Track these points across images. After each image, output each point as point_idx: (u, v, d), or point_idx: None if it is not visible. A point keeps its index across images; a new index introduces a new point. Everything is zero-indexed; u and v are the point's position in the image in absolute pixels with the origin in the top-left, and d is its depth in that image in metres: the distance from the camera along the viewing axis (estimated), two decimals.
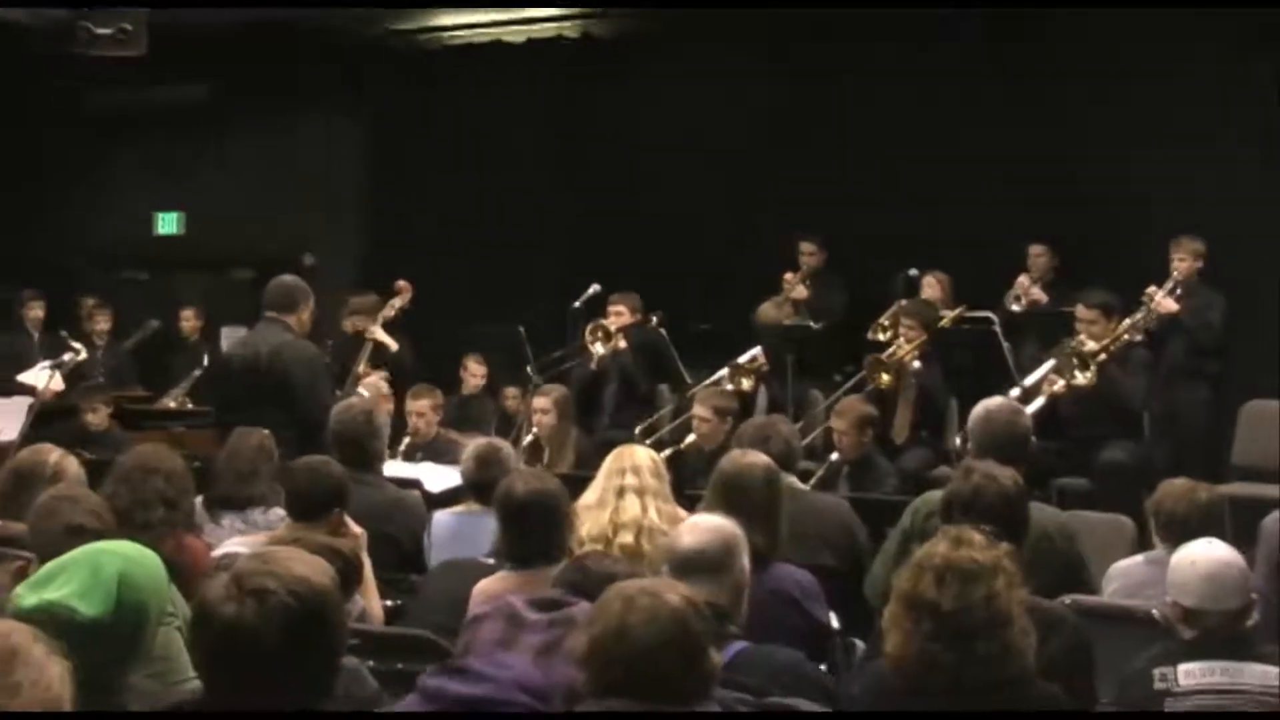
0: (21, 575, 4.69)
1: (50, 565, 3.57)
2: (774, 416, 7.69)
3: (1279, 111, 10.00)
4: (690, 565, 4.26)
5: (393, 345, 11.05)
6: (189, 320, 13.68)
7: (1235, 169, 10.47)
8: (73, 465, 5.93)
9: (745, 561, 4.43)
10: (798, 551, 5.62)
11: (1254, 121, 10.28)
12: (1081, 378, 8.85)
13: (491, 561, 5.68)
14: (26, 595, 3.45)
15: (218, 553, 5.61)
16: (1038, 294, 10.51)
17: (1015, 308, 10.53)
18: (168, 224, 15.09)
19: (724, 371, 10.19)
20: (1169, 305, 9.41)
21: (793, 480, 6.43)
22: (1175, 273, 9.57)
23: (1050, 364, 9.02)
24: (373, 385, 9.68)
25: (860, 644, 5.48)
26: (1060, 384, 8.87)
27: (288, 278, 8.35)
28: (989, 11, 10.82)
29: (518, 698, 3.66)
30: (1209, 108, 10.56)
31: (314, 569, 2.90)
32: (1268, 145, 10.18)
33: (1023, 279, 10.59)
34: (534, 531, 5.19)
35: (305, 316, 8.09)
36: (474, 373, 11.35)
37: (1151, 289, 9.41)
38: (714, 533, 4.38)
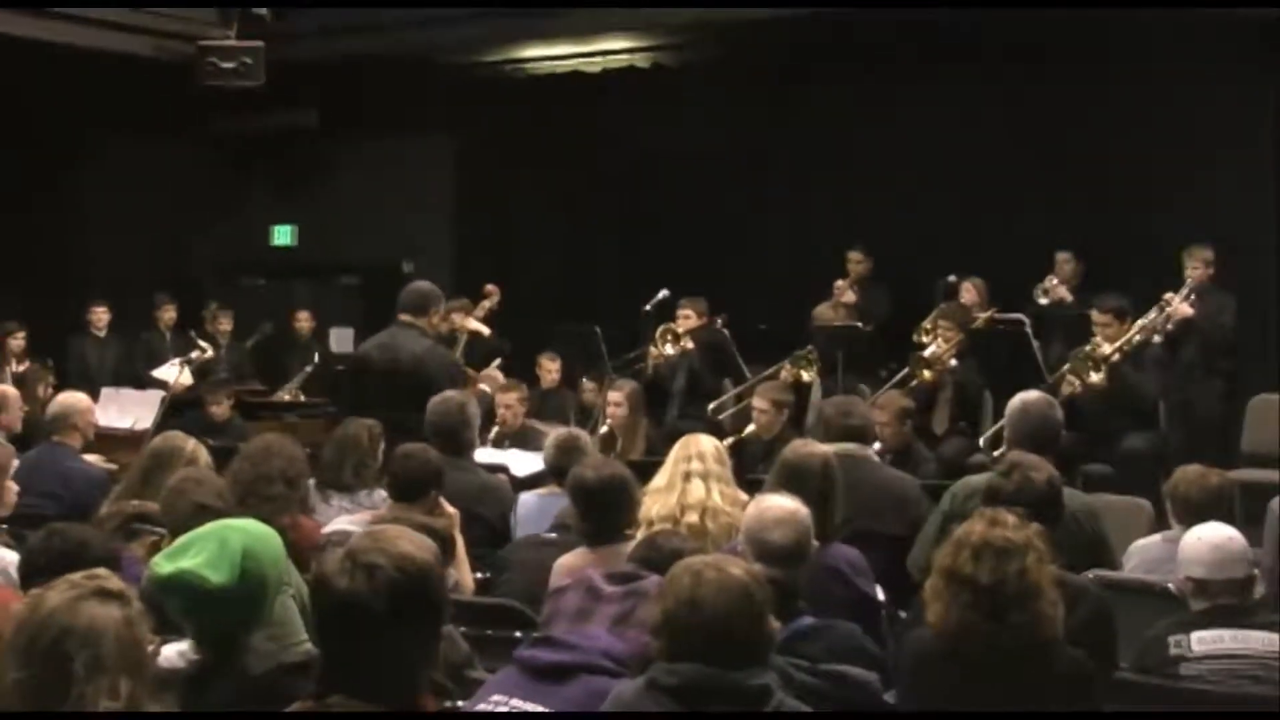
0: (154, 549, 4.78)
1: (183, 538, 3.62)
2: (853, 398, 7.58)
3: None
4: (777, 556, 4.24)
5: (485, 331, 11.13)
6: (302, 322, 13.78)
7: (1246, 180, 10.41)
8: (203, 452, 6.03)
9: (813, 543, 4.45)
10: (872, 517, 5.73)
11: (1264, 135, 10.20)
12: (1095, 377, 8.84)
13: (554, 536, 5.74)
14: (163, 564, 3.50)
15: (327, 530, 5.65)
16: (1063, 293, 10.47)
17: (1043, 300, 10.49)
18: (282, 236, 15.23)
19: (785, 362, 10.19)
20: (1184, 310, 9.38)
21: (869, 453, 6.41)
22: (1189, 279, 9.54)
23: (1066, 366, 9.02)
24: (492, 379, 9.71)
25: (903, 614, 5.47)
26: (1077, 384, 8.86)
27: (422, 283, 8.17)
28: (1023, 34, 10.79)
29: (601, 663, 3.69)
30: (1223, 124, 10.51)
31: (419, 546, 2.90)
32: (1276, 157, 10.15)
33: (1052, 277, 10.56)
34: (604, 513, 5.19)
35: (436, 319, 7.99)
36: (548, 369, 11.34)
37: (1168, 295, 9.37)
38: (797, 528, 4.33)
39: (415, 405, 7.06)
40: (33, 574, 3.90)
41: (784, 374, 10.08)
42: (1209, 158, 10.53)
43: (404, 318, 7.81)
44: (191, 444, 6.09)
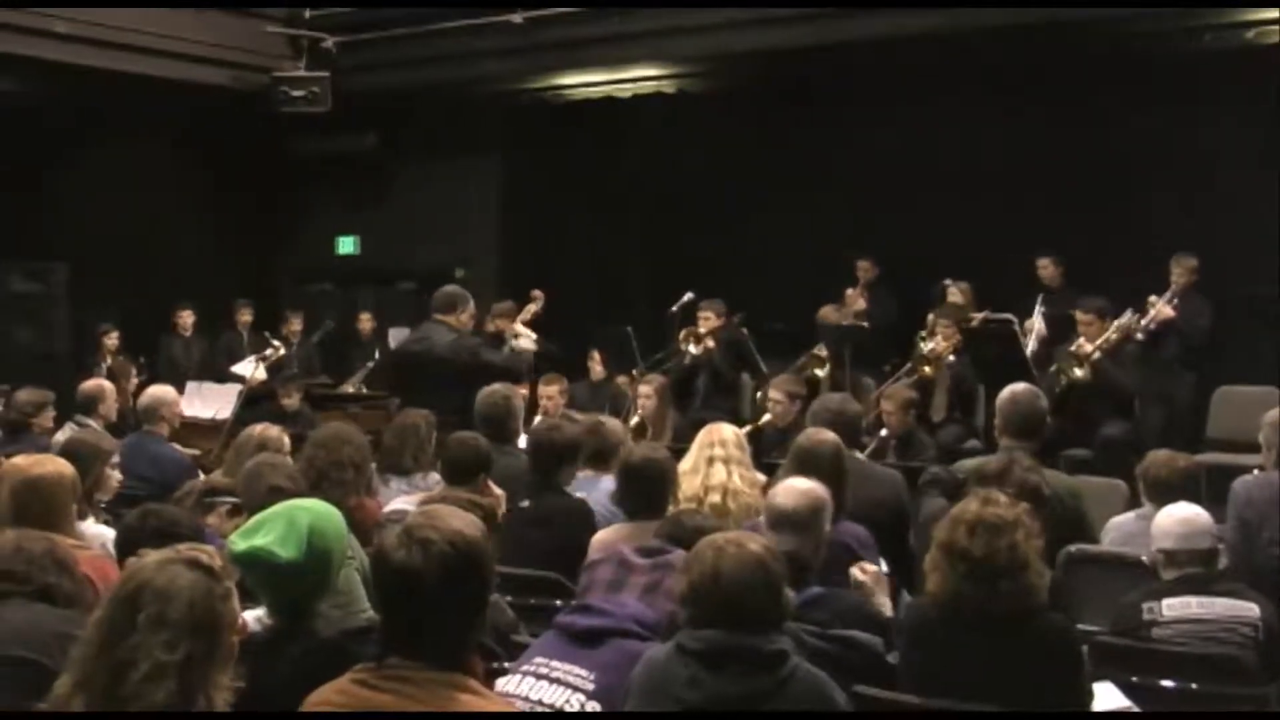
0: (225, 517, 4.84)
1: (256, 518, 3.63)
2: (845, 395, 7.54)
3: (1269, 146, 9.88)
4: (782, 521, 4.26)
5: (532, 336, 11.12)
6: (364, 323, 13.81)
7: (1226, 195, 10.33)
8: (286, 441, 6.17)
9: (828, 522, 4.42)
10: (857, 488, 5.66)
11: (1240, 155, 10.13)
12: (1079, 373, 8.85)
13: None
14: (239, 542, 3.51)
15: (386, 509, 5.67)
16: (1041, 326, 10.29)
17: (1032, 345, 10.15)
18: (346, 246, 15.23)
19: (800, 360, 10.18)
20: (1167, 312, 9.41)
21: (853, 452, 6.38)
22: (1174, 284, 9.54)
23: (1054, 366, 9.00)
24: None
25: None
26: (1063, 380, 8.85)
27: (450, 286, 8.48)
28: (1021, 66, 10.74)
29: (632, 628, 3.70)
30: (1207, 140, 10.45)
31: (468, 523, 2.92)
32: (1254, 173, 10.06)
33: (1029, 322, 10.25)
34: (644, 490, 5.20)
35: (464, 317, 8.20)
36: (598, 360, 11.36)
37: (1153, 298, 9.41)
38: (804, 496, 4.34)
39: (446, 389, 7.23)
40: (130, 548, 3.92)
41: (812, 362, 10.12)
42: (1194, 175, 10.48)
43: (436, 316, 8.16)
44: (275, 432, 6.23)
